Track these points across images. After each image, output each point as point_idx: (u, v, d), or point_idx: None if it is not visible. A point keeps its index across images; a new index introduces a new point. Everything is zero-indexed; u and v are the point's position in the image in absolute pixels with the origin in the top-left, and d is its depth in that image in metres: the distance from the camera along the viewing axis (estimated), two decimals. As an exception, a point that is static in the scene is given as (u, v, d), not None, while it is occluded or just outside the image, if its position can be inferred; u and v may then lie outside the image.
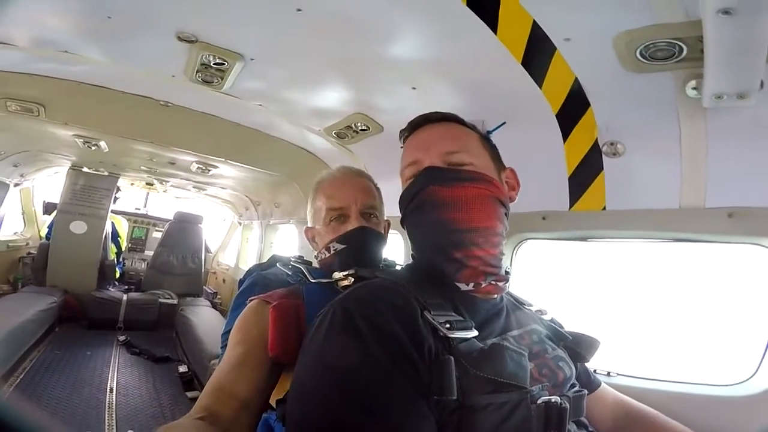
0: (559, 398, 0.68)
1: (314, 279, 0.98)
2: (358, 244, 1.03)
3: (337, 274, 0.85)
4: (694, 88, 0.94)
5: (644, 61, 0.92)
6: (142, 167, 4.14)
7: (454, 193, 0.76)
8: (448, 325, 0.65)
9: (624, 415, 0.93)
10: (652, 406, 0.95)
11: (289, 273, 1.07)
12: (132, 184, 6.06)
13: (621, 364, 1.30)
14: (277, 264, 1.15)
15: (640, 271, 1.60)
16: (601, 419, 0.91)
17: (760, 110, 0.93)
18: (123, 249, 6.06)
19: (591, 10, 0.89)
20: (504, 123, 1.37)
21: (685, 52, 0.86)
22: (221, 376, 0.79)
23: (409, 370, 0.60)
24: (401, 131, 0.91)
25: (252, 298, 0.94)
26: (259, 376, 0.80)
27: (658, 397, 1.08)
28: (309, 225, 1.17)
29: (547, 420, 0.65)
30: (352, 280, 0.81)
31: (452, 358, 0.62)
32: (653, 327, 1.59)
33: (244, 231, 5.34)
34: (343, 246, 1.04)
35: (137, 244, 6.75)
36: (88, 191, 4.78)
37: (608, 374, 1.28)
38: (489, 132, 0.93)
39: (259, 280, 1.10)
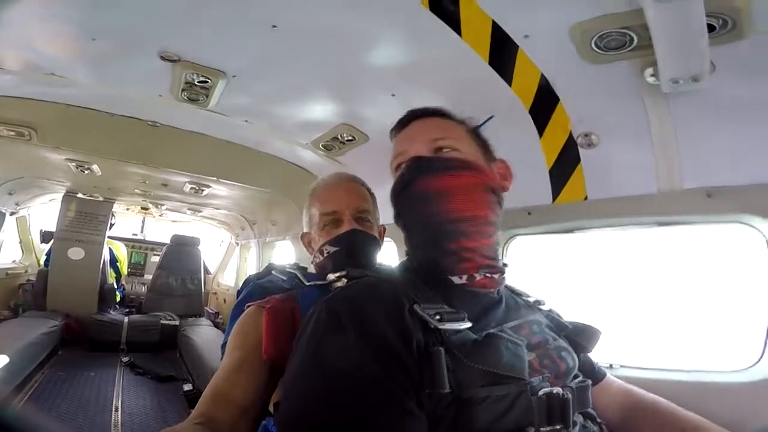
0: (561, 389, 0.66)
1: (309, 282, 0.98)
2: (350, 246, 1.04)
3: (330, 276, 0.86)
4: (652, 75, 0.96)
5: (600, 51, 0.95)
6: (136, 190, 4.15)
7: (443, 183, 0.74)
8: (438, 317, 0.63)
9: (632, 404, 0.90)
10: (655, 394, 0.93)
11: (285, 279, 1.08)
12: (127, 209, 6.06)
13: (620, 356, 1.29)
14: (273, 272, 1.15)
15: (631, 260, 1.61)
16: (609, 409, 0.88)
17: (718, 91, 0.95)
18: (123, 274, 6.05)
19: (542, 5, 0.92)
20: (492, 117, 1.38)
21: (636, 40, 0.90)
22: (219, 381, 0.79)
23: (396, 368, 0.58)
24: (391, 131, 0.89)
25: (249, 304, 0.94)
26: (256, 380, 0.79)
27: (661, 386, 1.04)
28: (305, 231, 1.18)
29: (549, 412, 0.63)
30: (345, 281, 0.80)
31: (442, 349, 0.60)
32: (649, 316, 1.59)
33: (242, 251, 5.35)
34: (335, 248, 1.05)
35: (136, 268, 6.73)
36: (84, 218, 4.78)
37: (610, 366, 1.26)
38: (477, 127, 0.93)
39: (255, 289, 1.09)
